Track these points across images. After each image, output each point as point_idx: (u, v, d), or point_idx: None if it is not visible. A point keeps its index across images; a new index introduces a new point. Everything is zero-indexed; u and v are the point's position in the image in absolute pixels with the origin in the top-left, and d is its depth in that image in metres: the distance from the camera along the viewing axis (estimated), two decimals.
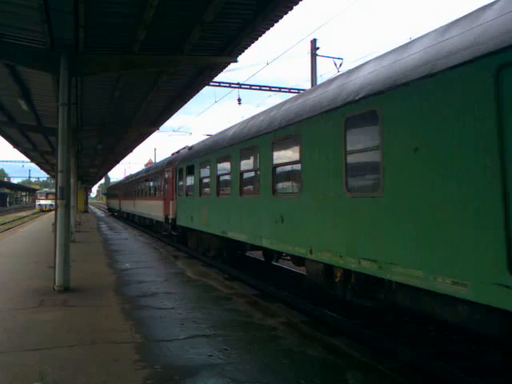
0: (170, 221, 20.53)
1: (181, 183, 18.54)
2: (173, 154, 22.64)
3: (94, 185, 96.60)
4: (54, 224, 10.27)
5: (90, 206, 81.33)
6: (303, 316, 8.70)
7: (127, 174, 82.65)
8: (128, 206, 40.28)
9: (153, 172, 27.50)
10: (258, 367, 5.46)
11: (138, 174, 37.14)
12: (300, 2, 8.62)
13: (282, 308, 9.06)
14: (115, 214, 57.29)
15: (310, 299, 10.25)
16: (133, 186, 36.90)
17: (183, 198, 18.06)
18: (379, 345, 7.35)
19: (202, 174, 15.41)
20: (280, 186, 9.99)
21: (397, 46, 7.21)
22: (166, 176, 22.00)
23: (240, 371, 5.30)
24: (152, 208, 26.21)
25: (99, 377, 5.13)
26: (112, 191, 63.89)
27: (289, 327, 7.23)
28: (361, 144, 7.11)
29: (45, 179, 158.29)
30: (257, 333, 6.90)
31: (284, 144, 9.57)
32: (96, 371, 5.29)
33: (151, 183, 27.72)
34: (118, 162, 44.23)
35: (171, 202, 20.20)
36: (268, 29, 9.78)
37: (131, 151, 34.46)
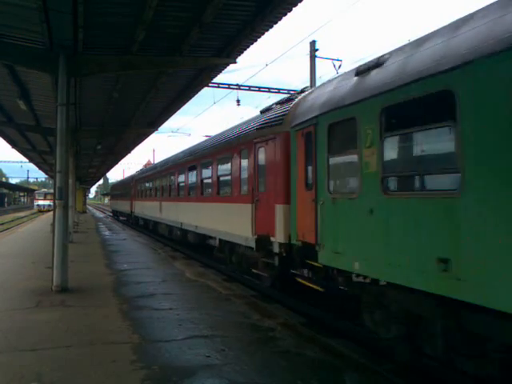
0: (274, 249, 10.19)
1: (338, 159, 7.93)
2: (265, 111, 12.23)
3: (92, 185, 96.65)
4: (53, 224, 10.27)
5: (88, 206, 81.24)
6: (301, 317, 8.71)
7: (126, 174, 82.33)
8: (147, 209, 28.63)
9: (211, 151, 15.56)
10: (256, 368, 5.46)
11: (168, 160, 24.55)
12: (299, 4, 8.65)
13: (280, 309, 9.08)
14: (121, 218, 47.15)
15: (308, 300, 10.25)
16: (158, 179, 25.47)
17: (356, 197, 7.03)
18: (376, 346, 7.36)
19: None
20: None
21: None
22: (260, 154, 11.21)
23: (238, 372, 5.30)
24: (211, 216, 14.93)
25: (97, 377, 5.13)
26: (119, 190, 49.24)
27: (287, 328, 7.23)
28: None
29: (43, 179, 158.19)
30: (255, 333, 6.90)
31: None
32: (94, 372, 5.28)
33: (207, 171, 15.87)
34: (116, 162, 44.21)
35: (279, 208, 9.99)
36: (267, 30, 9.80)
37: (130, 152, 34.47)
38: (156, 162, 45.42)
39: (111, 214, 60.41)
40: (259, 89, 27.07)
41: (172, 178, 21.91)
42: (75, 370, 5.32)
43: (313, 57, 24.36)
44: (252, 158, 11.55)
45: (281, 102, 11.48)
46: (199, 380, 5.09)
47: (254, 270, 11.63)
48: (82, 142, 25.61)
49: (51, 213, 11.14)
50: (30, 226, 35.04)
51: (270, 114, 11.27)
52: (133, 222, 37.09)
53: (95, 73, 11.29)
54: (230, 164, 13.38)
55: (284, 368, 5.50)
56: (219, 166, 14.62)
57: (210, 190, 15.77)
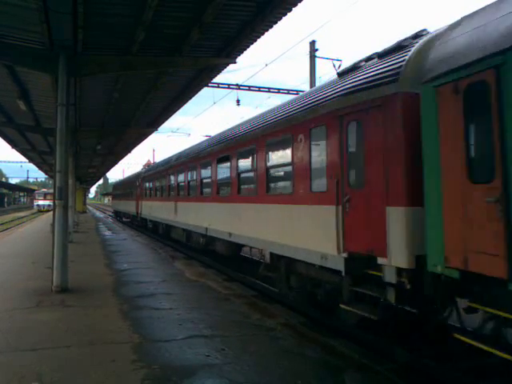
0: (387, 276, 6.68)
1: None
2: (348, 72, 8.55)
3: (92, 185, 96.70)
4: (52, 224, 10.27)
5: (88, 206, 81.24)
6: (301, 317, 8.71)
7: (126, 174, 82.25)
8: (158, 211, 24.89)
9: (257, 134, 11.58)
10: (256, 368, 5.46)
11: (186, 153, 20.10)
12: (299, 4, 8.65)
13: (281, 309, 9.07)
14: (125, 220, 44.08)
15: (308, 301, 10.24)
16: (171, 175, 21.82)
17: None
18: (377, 346, 7.36)
19: None
20: None
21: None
22: (351, 131, 7.76)
23: (238, 371, 5.30)
24: (256, 221, 11.31)
25: (97, 377, 5.13)
26: (122, 189, 44.61)
27: (287, 328, 7.23)
28: None
29: (43, 180, 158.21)
30: (255, 333, 6.90)
31: None
32: (94, 371, 5.28)
33: (247, 162, 12.32)
34: (116, 162, 44.20)
35: (397, 213, 6.55)
36: (267, 30, 9.80)
37: (130, 152, 34.46)
38: (154, 160, 43.65)
39: (113, 215, 58.49)
40: (259, 89, 27.06)
41: (192, 173, 17.78)
42: (75, 370, 5.32)
43: (313, 57, 24.37)
44: (335, 139, 7.96)
45: (380, 55, 7.76)
46: (199, 380, 5.10)
47: (343, 306, 7.70)
48: (82, 142, 25.61)
49: (51, 213, 11.14)
50: (29, 226, 35.05)
51: (367, 71, 7.66)
52: (139, 224, 33.11)
53: (95, 73, 11.29)
54: (289, 150, 9.73)
55: (285, 368, 5.50)
56: (269, 154, 10.82)
57: (252, 186, 11.76)
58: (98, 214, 68.84)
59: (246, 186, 12.48)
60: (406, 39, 7.43)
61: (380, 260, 6.77)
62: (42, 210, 72.48)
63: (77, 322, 7.43)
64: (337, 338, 7.16)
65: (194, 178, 17.59)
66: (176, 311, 8.19)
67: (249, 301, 9.26)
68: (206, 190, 16.07)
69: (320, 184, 8.52)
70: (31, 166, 52.32)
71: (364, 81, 7.47)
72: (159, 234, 26.11)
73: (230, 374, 5.20)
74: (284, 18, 9.23)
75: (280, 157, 10.37)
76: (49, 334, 6.73)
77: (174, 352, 5.99)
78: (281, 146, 10.25)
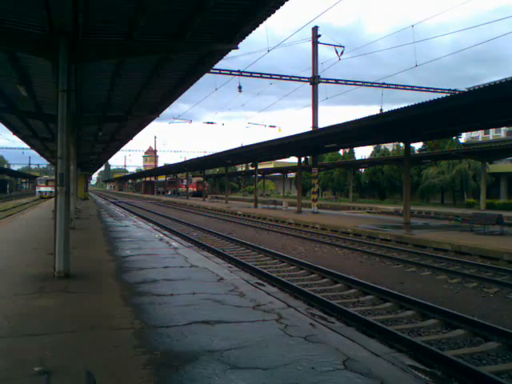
0: None
1: None
2: None
3: (94, 172, 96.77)
4: (54, 210, 10.27)
5: (90, 193, 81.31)
6: (304, 304, 8.72)
7: (127, 162, 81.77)
8: None
9: None
10: (259, 355, 5.46)
11: None
12: None
13: (285, 292, 9.09)
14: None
15: (311, 286, 10.29)
16: None
17: None
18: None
19: None
20: None
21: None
22: None
23: (240, 358, 5.31)
24: None
25: (99, 362, 5.15)
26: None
27: (292, 311, 7.24)
28: None
29: (45, 166, 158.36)
30: (259, 319, 6.91)
31: None
32: (96, 357, 5.31)
33: None
34: (118, 149, 44.12)
35: None
36: (269, 15, 9.67)
37: (131, 139, 34.28)
38: (156, 147, 42.61)
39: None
40: (261, 75, 26.88)
41: None
42: (77, 355, 5.35)
43: (315, 43, 24.18)
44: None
45: None
46: (201, 365, 5.11)
47: None
48: (84, 129, 25.55)
49: (53, 199, 11.15)
50: (31, 213, 35.10)
51: None
52: None
53: (96, 59, 11.20)
54: None
55: (289, 355, 5.51)
56: None
57: None
58: (100, 200, 68.95)
59: None
60: None
61: None
62: (44, 197, 72.61)
63: (79, 307, 7.47)
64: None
65: None
66: (178, 297, 8.21)
67: (252, 285, 9.28)
68: None
69: None
70: (33, 152, 52.37)
71: None
72: None
73: (231, 360, 5.22)
74: (286, 4, 9.11)
75: None
76: (51, 320, 6.76)
77: (176, 338, 6.00)
78: None
